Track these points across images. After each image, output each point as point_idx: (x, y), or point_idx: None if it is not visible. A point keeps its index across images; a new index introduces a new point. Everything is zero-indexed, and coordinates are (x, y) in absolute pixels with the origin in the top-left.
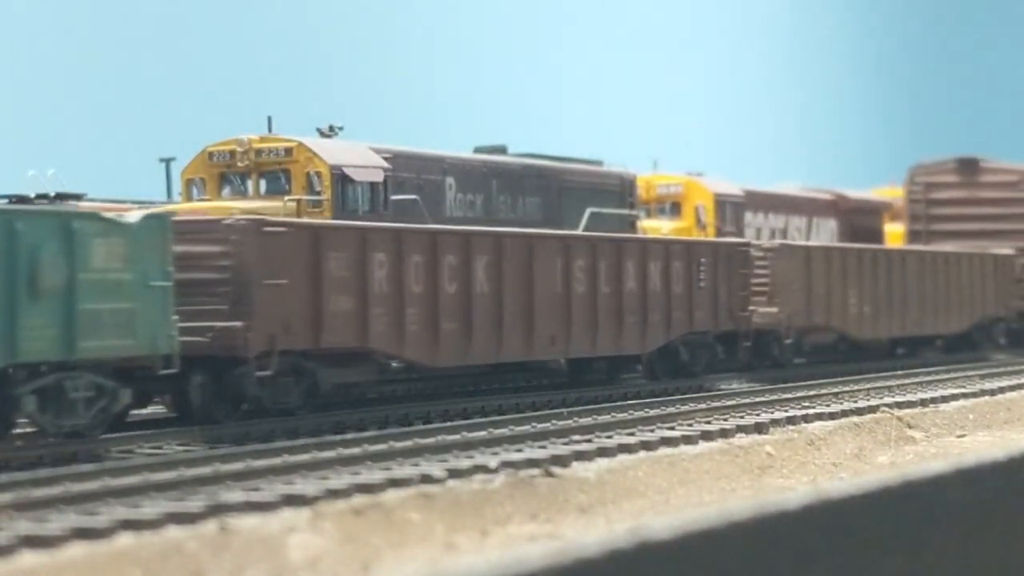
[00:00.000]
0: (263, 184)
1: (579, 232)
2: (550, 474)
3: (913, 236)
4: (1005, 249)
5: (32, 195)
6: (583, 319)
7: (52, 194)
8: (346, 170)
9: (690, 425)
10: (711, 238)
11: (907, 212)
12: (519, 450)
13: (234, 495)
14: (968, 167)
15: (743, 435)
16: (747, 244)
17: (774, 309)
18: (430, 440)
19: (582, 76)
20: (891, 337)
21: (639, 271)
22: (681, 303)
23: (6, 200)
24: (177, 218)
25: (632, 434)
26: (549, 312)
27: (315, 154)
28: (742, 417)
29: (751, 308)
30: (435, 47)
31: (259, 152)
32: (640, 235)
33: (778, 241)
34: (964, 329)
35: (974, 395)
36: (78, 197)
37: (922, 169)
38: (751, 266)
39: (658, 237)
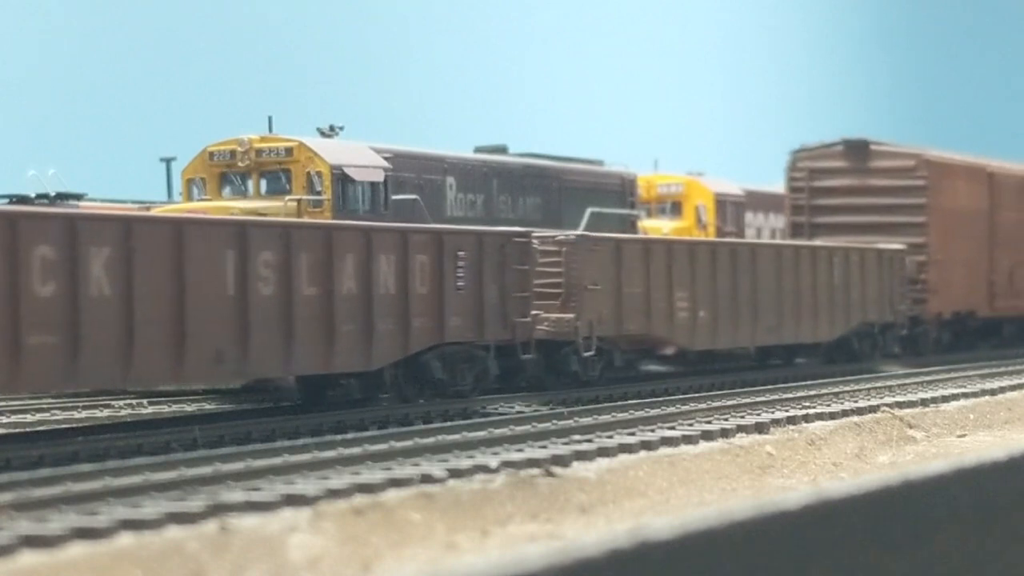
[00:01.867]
0: (263, 184)
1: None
2: (551, 474)
3: (795, 230)
4: (895, 244)
5: (32, 195)
6: (273, 328)
7: (52, 194)
8: (347, 170)
9: (691, 425)
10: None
11: (788, 203)
12: (520, 450)
13: (235, 495)
14: (857, 151)
15: (744, 435)
16: (526, 234)
17: (569, 315)
18: (430, 440)
19: (582, 76)
20: (738, 347)
21: (360, 267)
22: (427, 308)
23: (6, 200)
24: None
25: (632, 434)
26: (210, 322)
27: (316, 154)
28: (743, 417)
29: (536, 313)
30: (435, 47)
31: (260, 152)
32: (360, 223)
33: (576, 232)
34: (836, 337)
35: (975, 395)
36: (78, 197)
37: (806, 153)
38: (533, 262)
39: (392, 226)
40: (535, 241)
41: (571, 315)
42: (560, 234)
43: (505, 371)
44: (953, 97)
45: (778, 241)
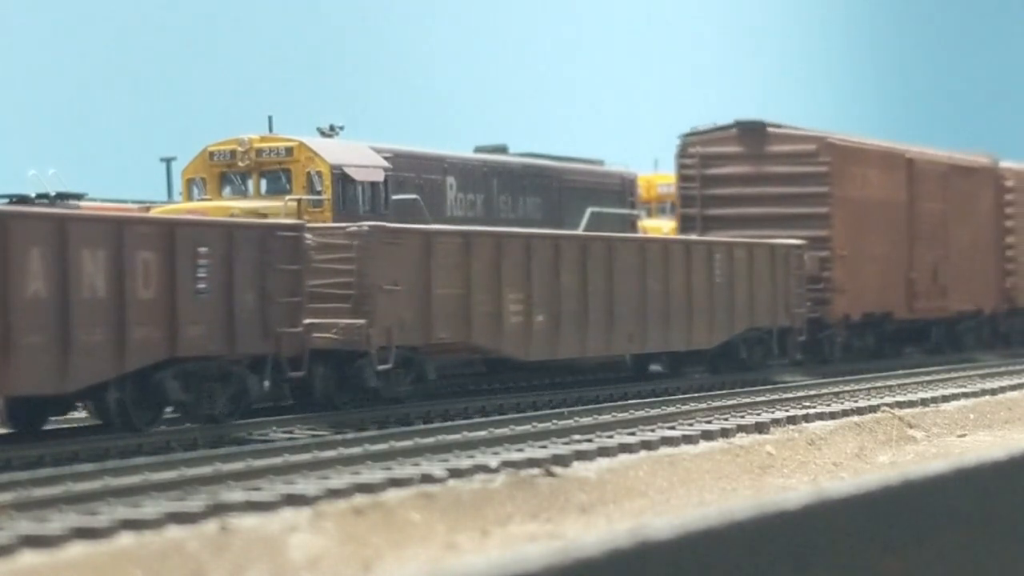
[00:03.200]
0: (264, 184)
1: None
2: (551, 474)
3: (685, 223)
4: (792, 238)
5: (33, 195)
6: None
7: (53, 194)
8: (347, 170)
9: (691, 425)
10: (225, 218)
11: (678, 192)
12: (520, 450)
13: (235, 495)
14: (753, 134)
15: (744, 435)
16: (297, 227)
17: (360, 321)
18: (431, 440)
19: (583, 76)
20: (585, 357)
21: (52, 265)
22: (152, 316)
23: (7, 200)
24: None
25: (633, 433)
26: None
27: (316, 154)
28: (743, 417)
29: (312, 322)
30: (435, 47)
31: (260, 152)
32: (54, 211)
33: (369, 223)
34: (717, 345)
35: (975, 395)
36: (79, 197)
37: (697, 137)
38: (305, 260)
39: (98, 215)
40: (309, 236)
41: (362, 321)
42: (351, 225)
43: (294, 390)
44: (953, 96)
45: (643, 235)
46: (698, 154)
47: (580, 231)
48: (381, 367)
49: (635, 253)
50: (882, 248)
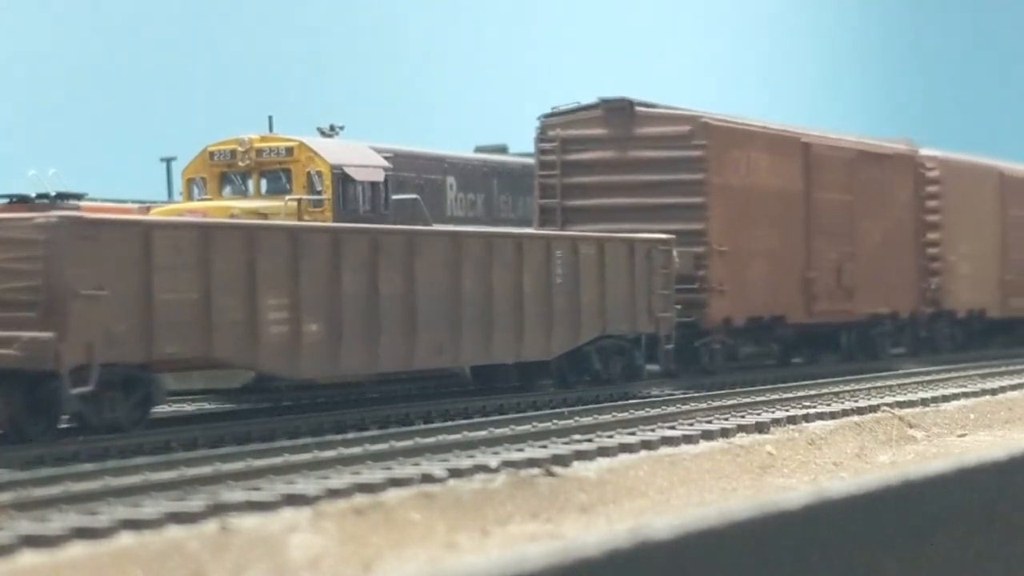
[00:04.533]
0: (264, 183)
1: None
2: (551, 473)
3: (544, 215)
4: (659, 233)
5: (33, 195)
6: None
7: (53, 194)
8: (347, 169)
9: (691, 424)
10: None
11: (536, 182)
12: (520, 449)
13: (235, 495)
14: (620, 115)
15: (744, 434)
16: None
17: (47, 334)
18: (431, 440)
19: (583, 75)
20: (378, 373)
21: None
22: None
23: (7, 200)
24: None
25: (633, 433)
26: None
27: (316, 153)
28: (743, 416)
29: None
30: (435, 47)
31: (260, 152)
32: None
33: (60, 212)
34: (559, 355)
35: (975, 395)
36: (79, 197)
37: (557, 119)
38: None
39: None
40: None
41: (49, 335)
42: (37, 216)
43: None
44: (955, 88)
45: (458, 229)
46: (558, 137)
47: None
48: (78, 390)
49: (445, 249)
50: (772, 244)
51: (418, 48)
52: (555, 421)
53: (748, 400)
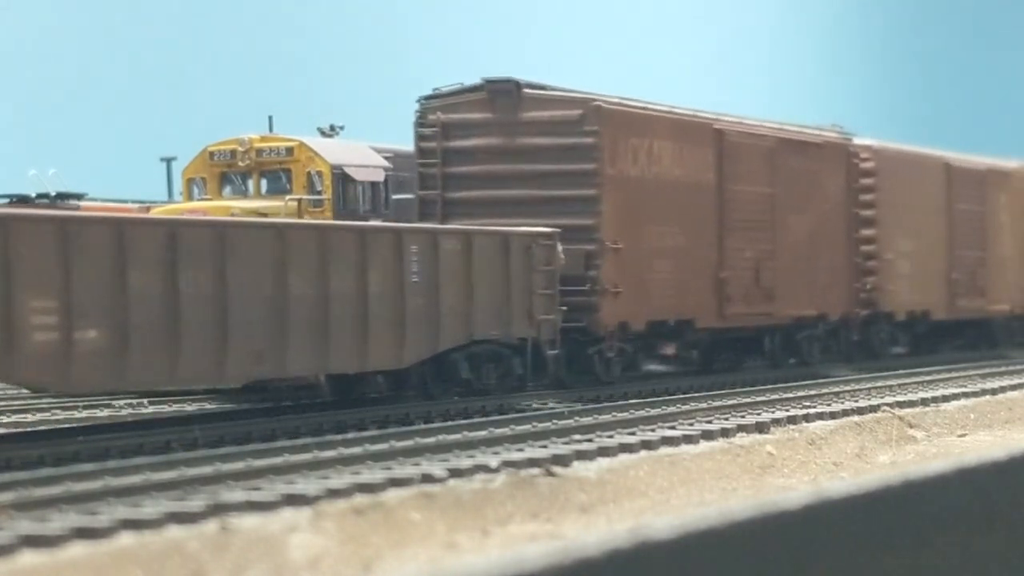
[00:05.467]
0: (264, 183)
1: None
2: (551, 473)
3: (425, 208)
4: (550, 227)
5: (33, 195)
6: None
7: (53, 194)
8: (347, 169)
9: (691, 424)
10: None
11: (417, 171)
12: (520, 449)
13: (235, 495)
14: (505, 97)
15: (744, 434)
16: None
17: None
18: (431, 439)
19: (583, 75)
20: (180, 384)
21: None
22: None
23: (7, 200)
24: None
25: (633, 433)
26: None
27: (316, 153)
28: (743, 416)
29: None
30: (435, 47)
31: (260, 151)
32: None
33: None
34: (414, 362)
35: (975, 394)
36: (79, 197)
37: (437, 102)
38: None
39: None
40: None
41: None
42: None
43: None
44: (957, 93)
45: (286, 220)
46: (439, 122)
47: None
48: None
49: (267, 244)
50: (678, 241)
51: (418, 48)
52: (555, 421)
53: (748, 400)
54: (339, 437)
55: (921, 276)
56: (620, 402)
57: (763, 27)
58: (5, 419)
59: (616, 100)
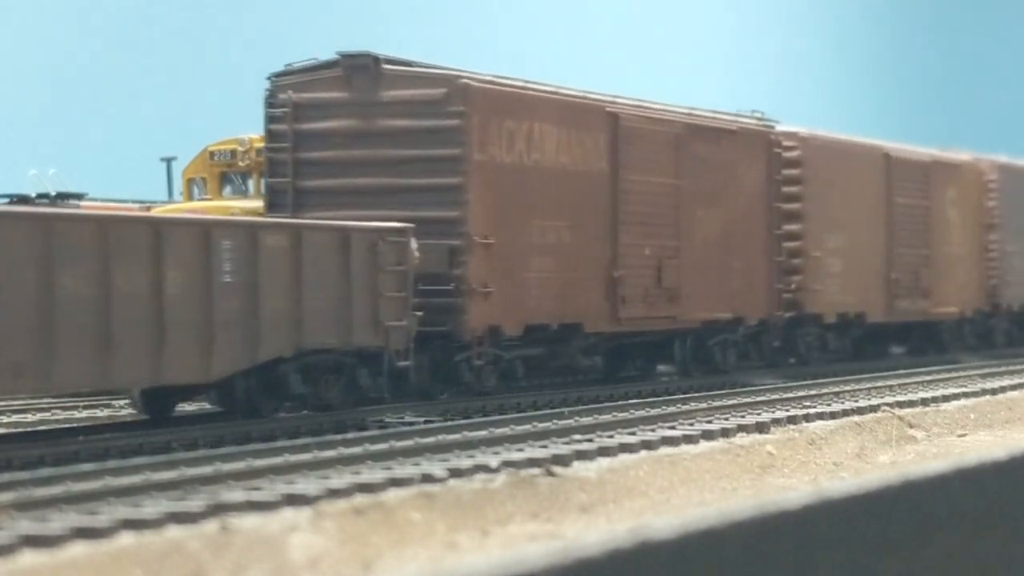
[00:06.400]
0: (264, 183)
1: None
2: (551, 473)
3: (274, 199)
4: (397, 219)
5: (33, 195)
6: None
7: (53, 193)
8: None
9: (691, 424)
10: None
11: (266, 156)
12: (520, 449)
13: (235, 495)
14: (363, 74)
15: (744, 434)
16: None
17: None
18: (431, 439)
19: (585, 74)
20: None
21: None
22: None
23: (7, 200)
24: None
25: (633, 433)
26: None
27: None
28: (743, 416)
29: None
30: (435, 46)
31: (260, 151)
32: None
33: None
34: (223, 376)
35: (975, 394)
36: (79, 196)
37: (289, 79)
38: None
39: None
40: None
41: None
42: None
43: None
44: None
45: (51, 209)
46: (291, 102)
47: None
48: None
49: (27, 239)
50: (562, 237)
51: (417, 48)
52: (555, 421)
53: (748, 400)
54: (339, 437)
55: (855, 275)
56: (620, 402)
57: (773, 25)
58: (5, 419)
59: (488, 78)
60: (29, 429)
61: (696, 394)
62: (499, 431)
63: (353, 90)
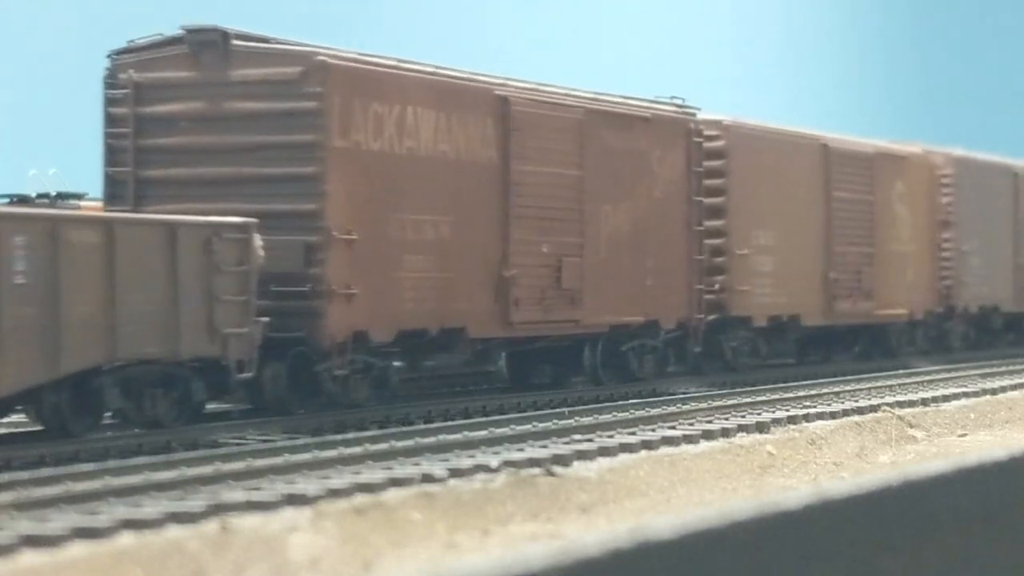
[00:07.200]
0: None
1: None
2: (551, 473)
3: (113, 189)
4: (250, 212)
5: (33, 195)
6: None
7: (53, 193)
8: None
9: (691, 424)
10: None
11: (104, 142)
12: (520, 449)
13: (235, 494)
14: (212, 52)
15: (744, 434)
16: None
17: None
18: (431, 439)
19: (586, 74)
20: None
21: None
22: None
23: (7, 200)
24: None
25: (633, 433)
26: None
27: None
28: (743, 416)
29: None
30: (435, 45)
31: None
32: None
33: None
34: (7, 393)
35: (975, 394)
36: (79, 196)
37: (130, 57)
38: None
39: None
40: None
41: None
42: None
43: None
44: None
45: None
46: (132, 82)
47: None
48: None
49: None
50: (442, 233)
51: (418, 47)
52: (555, 421)
53: (748, 400)
54: (339, 437)
55: (788, 275)
56: (620, 402)
57: (777, 24)
58: (5, 419)
59: (352, 55)
60: (29, 429)
61: (696, 394)
62: (499, 431)
63: (201, 69)
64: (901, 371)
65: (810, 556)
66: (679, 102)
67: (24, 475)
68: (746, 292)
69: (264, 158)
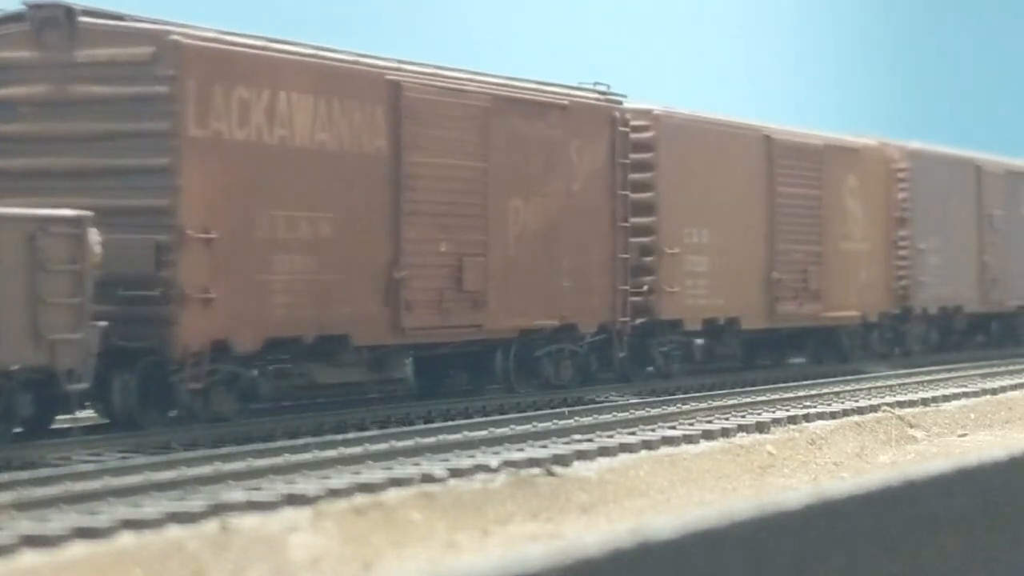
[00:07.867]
0: None
1: None
2: (551, 473)
3: None
4: (95, 207)
5: None
6: None
7: None
8: None
9: (691, 424)
10: None
11: None
12: (520, 449)
13: (235, 494)
14: (55, 31)
15: (744, 434)
16: None
17: None
18: (431, 439)
19: (586, 73)
20: None
21: None
22: None
23: None
24: None
25: (633, 433)
26: None
27: None
28: (743, 416)
29: None
30: (435, 46)
31: None
32: None
33: None
34: None
35: (975, 394)
36: None
37: None
38: None
39: None
40: None
41: None
42: None
43: None
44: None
45: None
46: None
47: None
48: None
49: None
50: (321, 230)
51: (418, 46)
52: (555, 421)
53: (748, 400)
54: (339, 437)
55: (725, 276)
56: (621, 402)
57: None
58: None
59: (212, 34)
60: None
61: (696, 394)
62: (499, 431)
63: (44, 49)
64: (901, 371)
65: (810, 556)
66: (603, 89)
67: (24, 475)
68: (677, 294)
69: (113, 148)
